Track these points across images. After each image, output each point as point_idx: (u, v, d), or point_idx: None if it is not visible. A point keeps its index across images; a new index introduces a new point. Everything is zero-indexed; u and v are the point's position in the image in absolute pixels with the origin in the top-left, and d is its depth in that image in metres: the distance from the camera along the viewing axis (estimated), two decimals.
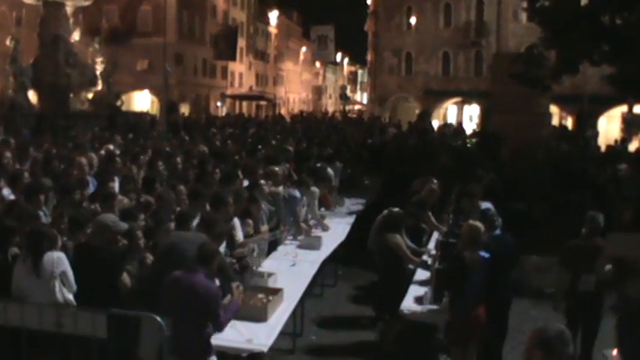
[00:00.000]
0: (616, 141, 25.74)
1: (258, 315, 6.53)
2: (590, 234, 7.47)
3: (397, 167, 14.53)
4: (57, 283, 6.05)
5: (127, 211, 7.49)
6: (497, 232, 7.57)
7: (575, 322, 7.20)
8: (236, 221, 8.20)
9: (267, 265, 8.59)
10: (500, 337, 7.44)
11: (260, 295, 6.93)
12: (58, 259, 6.04)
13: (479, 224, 6.96)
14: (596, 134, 29.43)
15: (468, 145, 21.06)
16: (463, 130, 27.32)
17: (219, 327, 5.83)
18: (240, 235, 8.18)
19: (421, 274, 8.40)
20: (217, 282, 6.67)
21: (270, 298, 6.84)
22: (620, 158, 16.54)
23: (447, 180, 11.97)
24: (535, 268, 10.77)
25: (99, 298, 6.01)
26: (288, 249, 9.55)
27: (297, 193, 10.68)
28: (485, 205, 8.77)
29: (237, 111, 56.71)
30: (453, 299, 6.89)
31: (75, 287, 6.15)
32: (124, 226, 6.65)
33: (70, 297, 6.16)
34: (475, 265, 6.69)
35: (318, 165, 13.45)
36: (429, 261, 8.61)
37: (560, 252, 7.61)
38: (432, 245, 9.62)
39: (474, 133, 26.26)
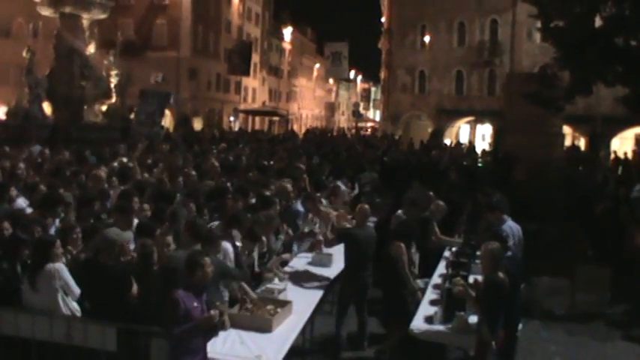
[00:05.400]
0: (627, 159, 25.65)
1: (263, 326, 6.54)
2: None
3: (409, 186, 14.46)
4: (60, 296, 6.07)
5: (144, 226, 7.48)
6: (509, 253, 7.50)
7: None
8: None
9: (277, 280, 8.57)
10: (509, 359, 7.37)
11: (269, 307, 6.95)
12: (56, 271, 6.04)
13: (498, 245, 6.80)
14: (608, 155, 29.33)
15: (480, 165, 21.06)
16: (475, 149, 27.31)
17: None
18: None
19: (432, 294, 8.36)
20: (226, 294, 6.72)
21: (279, 310, 6.85)
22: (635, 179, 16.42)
23: (457, 199, 11.94)
24: (546, 290, 10.68)
25: (108, 313, 5.99)
26: (298, 265, 9.54)
27: (299, 207, 10.75)
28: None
29: (249, 126, 56.91)
30: (490, 322, 6.57)
31: (78, 291, 6.15)
32: (129, 236, 6.62)
33: (75, 305, 6.19)
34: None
35: (335, 184, 13.41)
36: (421, 284, 8.59)
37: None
38: (441, 266, 9.58)
39: (486, 153, 26.26)
